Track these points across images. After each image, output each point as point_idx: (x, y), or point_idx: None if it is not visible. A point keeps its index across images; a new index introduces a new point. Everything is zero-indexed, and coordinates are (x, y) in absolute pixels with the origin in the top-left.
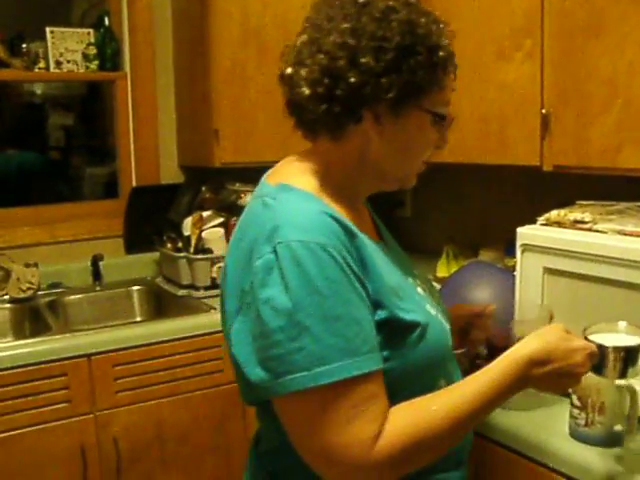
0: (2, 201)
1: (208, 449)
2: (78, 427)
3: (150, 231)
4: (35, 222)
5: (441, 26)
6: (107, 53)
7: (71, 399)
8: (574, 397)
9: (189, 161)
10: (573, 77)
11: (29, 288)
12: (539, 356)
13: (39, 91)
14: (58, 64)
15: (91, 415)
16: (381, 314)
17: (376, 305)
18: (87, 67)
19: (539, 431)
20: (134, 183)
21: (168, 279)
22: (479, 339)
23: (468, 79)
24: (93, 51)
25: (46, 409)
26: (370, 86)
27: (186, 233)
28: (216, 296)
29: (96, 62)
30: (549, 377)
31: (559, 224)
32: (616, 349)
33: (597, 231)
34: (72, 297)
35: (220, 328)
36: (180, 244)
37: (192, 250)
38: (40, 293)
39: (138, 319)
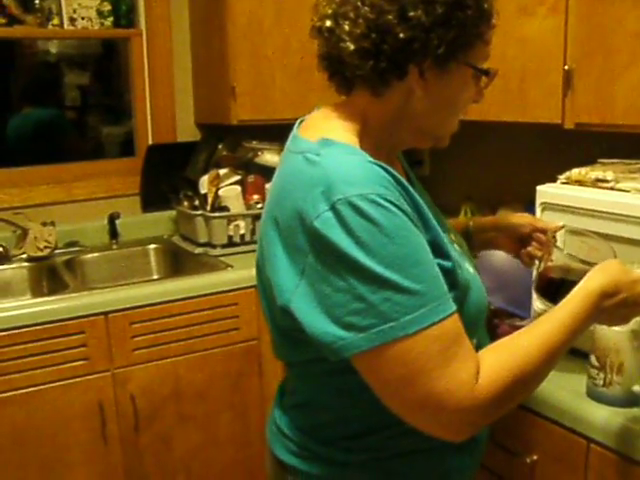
0: (19, 160)
1: (225, 406)
2: (96, 384)
3: (167, 189)
4: (52, 181)
5: None
6: (122, 9)
7: (89, 357)
8: (592, 357)
9: (205, 119)
10: (598, 31)
11: (46, 247)
12: (608, 288)
13: (54, 50)
14: (72, 21)
15: (108, 372)
16: (446, 264)
17: (437, 254)
18: (101, 24)
19: (556, 391)
20: (150, 141)
21: (185, 237)
22: (535, 255)
23: None
24: (107, 7)
25: (64, 366)
26: (419, 41)
27: (203, 191)
28: (232, 254)
29: (110, 19)
30: (617, 308)
31: (580, 183)
32: None
33: (619, 190)
34: (89, 255)
35: (236, 286)
36: (197, 202)
37: (209, 208)
38: (57, 252)
39: (155, 277)
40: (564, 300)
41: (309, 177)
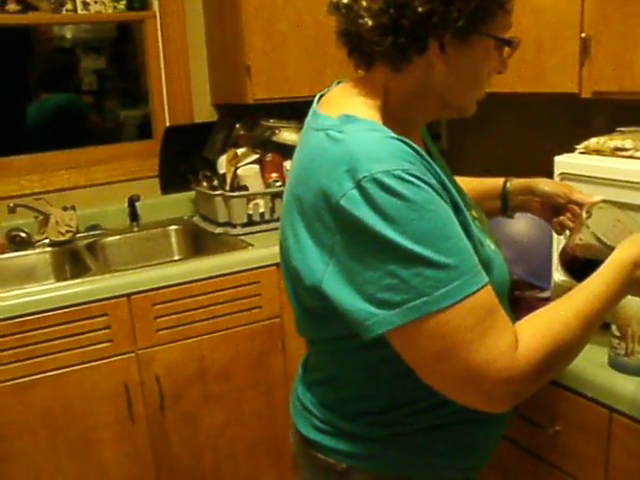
0: (38, 146)
1: (249, 385)
2: (121, 366)
3: (185, 170)
4: (71, 166)
5: None
6: None
7: (112, 338)
8: (614, 327)
9: (222, 99)
10: None
11: (68, 231)
12: (639, 258)
13: (69, 35)
14: (85, 5)
15: (133, 354)
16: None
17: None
18: (115, 7)
19: (578, 361)
20: (168, 123)
21: (205, 217)
22: (567, 225)
23: None
24: None
25: (89, 349)
26: (438, 14)
27: (221, 171)
28: (252, 233)
29: (124, 2)
30: None
31: (598, 152)
32: None
33: (639, 158)
34: (110, 239)
35: (257, 264)
36: (215, 182)
37: (228, 188)
38: (79, 236)
39: (176, 258)
40: (597, 271)
41: (332, 155)
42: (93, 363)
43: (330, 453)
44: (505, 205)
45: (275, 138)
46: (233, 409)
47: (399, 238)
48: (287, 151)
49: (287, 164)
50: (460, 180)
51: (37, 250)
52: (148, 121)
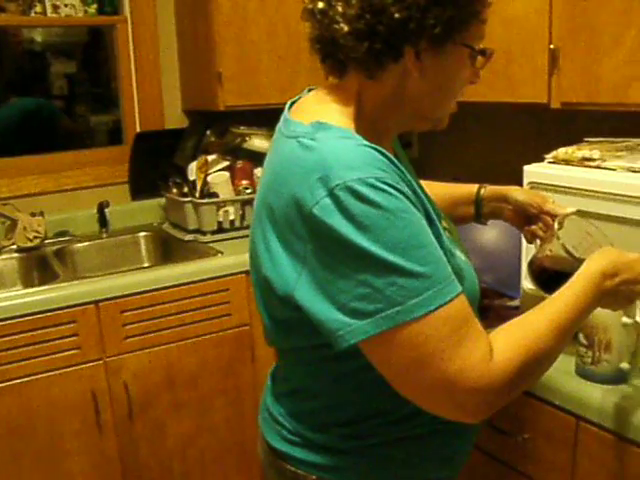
0: (6, 150)
1: (218, 392)
2: (89, 373)
3: (155, 177)
4: (40, 171)
5: None
6: None
7: (81, 346)
8: (581, 335)
9: (193, 105)
10: (584, 9)
11: (36, 237)
12: (608, 269)
13: (39, 38)
14: (55, 8)
15: (101, 361)
16: None
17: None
18: (85, 11)
19: None
20: (138, 129)
21: (174, 224)
22: (538, 235)
23: None
24: None
25: (57, 356)
26: (415, 21)
27: (191, 178)
28: (222, 240)
29: (94, 6)
30: (618, 289)
31: (567, 162)
32: None
33: (606, 168)
34: (79, 245)
35: (227, 272)
36: (186, 189)
37: (198, 194)
38: (47, 242)
39: (145, 265)
40: (569, 282)
41: (305, 163)
42: (61, 371)
43: (299, 465)
44: (478, 211)
45: (246, 145)
46: (202, 417)
47: (372, 247)
48: (258, 158)
49: (258, 171)
50: (436, 185)
51: (4, 256)
52: (119, 127)
